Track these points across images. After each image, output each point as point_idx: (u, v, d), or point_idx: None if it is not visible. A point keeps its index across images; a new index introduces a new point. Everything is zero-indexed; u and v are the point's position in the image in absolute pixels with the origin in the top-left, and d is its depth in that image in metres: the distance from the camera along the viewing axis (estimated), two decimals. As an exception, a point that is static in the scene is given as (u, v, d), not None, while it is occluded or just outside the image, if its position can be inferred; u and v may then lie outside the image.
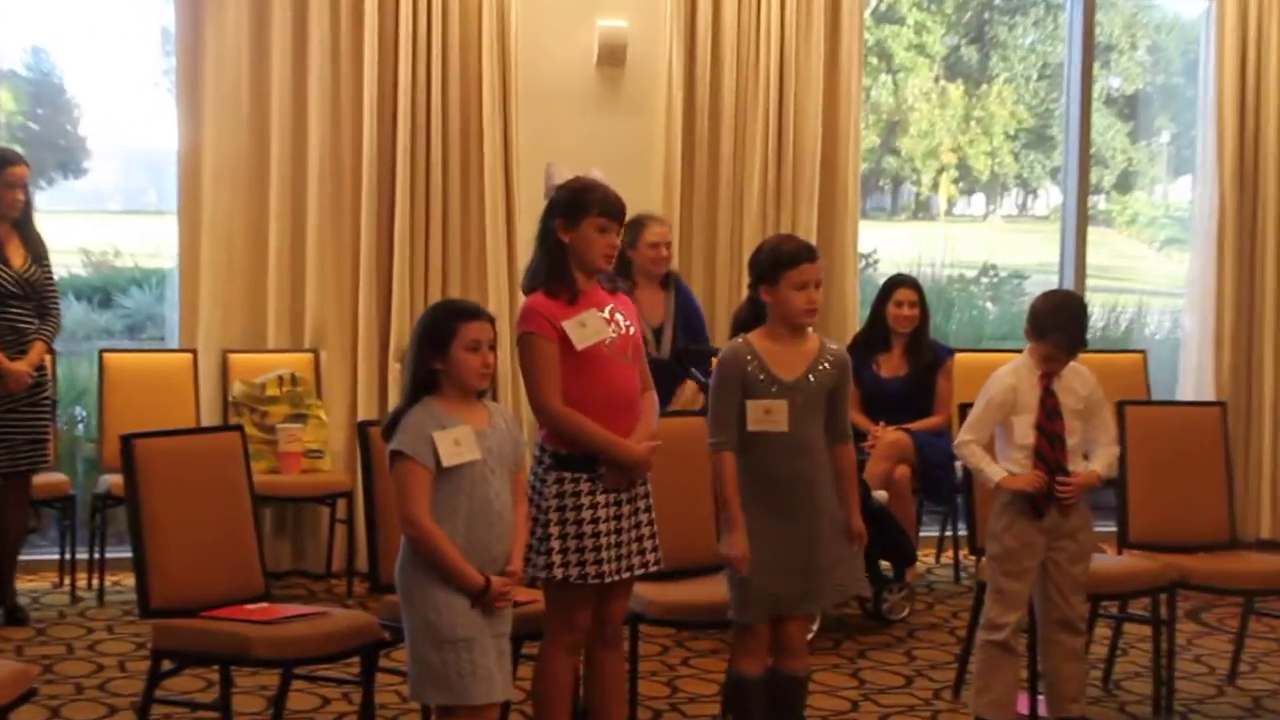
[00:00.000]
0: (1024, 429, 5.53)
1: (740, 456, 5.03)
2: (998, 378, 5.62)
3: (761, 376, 5.00)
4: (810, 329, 5.10)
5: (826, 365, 5.07)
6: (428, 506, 4.39)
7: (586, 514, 4.85)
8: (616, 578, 4.90)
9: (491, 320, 4.56)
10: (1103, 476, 5.64)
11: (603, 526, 4.87)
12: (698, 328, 7.50)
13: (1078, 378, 5.59)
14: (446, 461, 4.40)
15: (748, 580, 5.02)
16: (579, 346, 4.83)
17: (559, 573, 4.85)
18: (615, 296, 5.05)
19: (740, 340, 5.09)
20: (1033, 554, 5.53)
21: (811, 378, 5.03)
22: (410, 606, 4.46)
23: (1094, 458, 5.61)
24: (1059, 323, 5.50)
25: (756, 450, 5.02)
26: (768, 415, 4.99)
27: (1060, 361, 5.54)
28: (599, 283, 5.00)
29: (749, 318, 5.14)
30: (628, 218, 5.15)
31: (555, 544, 4.84)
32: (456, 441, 4.43)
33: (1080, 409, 5.56)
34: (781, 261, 5.00)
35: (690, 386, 7.23)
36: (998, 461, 5.56)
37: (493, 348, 4.53)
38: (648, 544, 5.01)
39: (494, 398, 4.65)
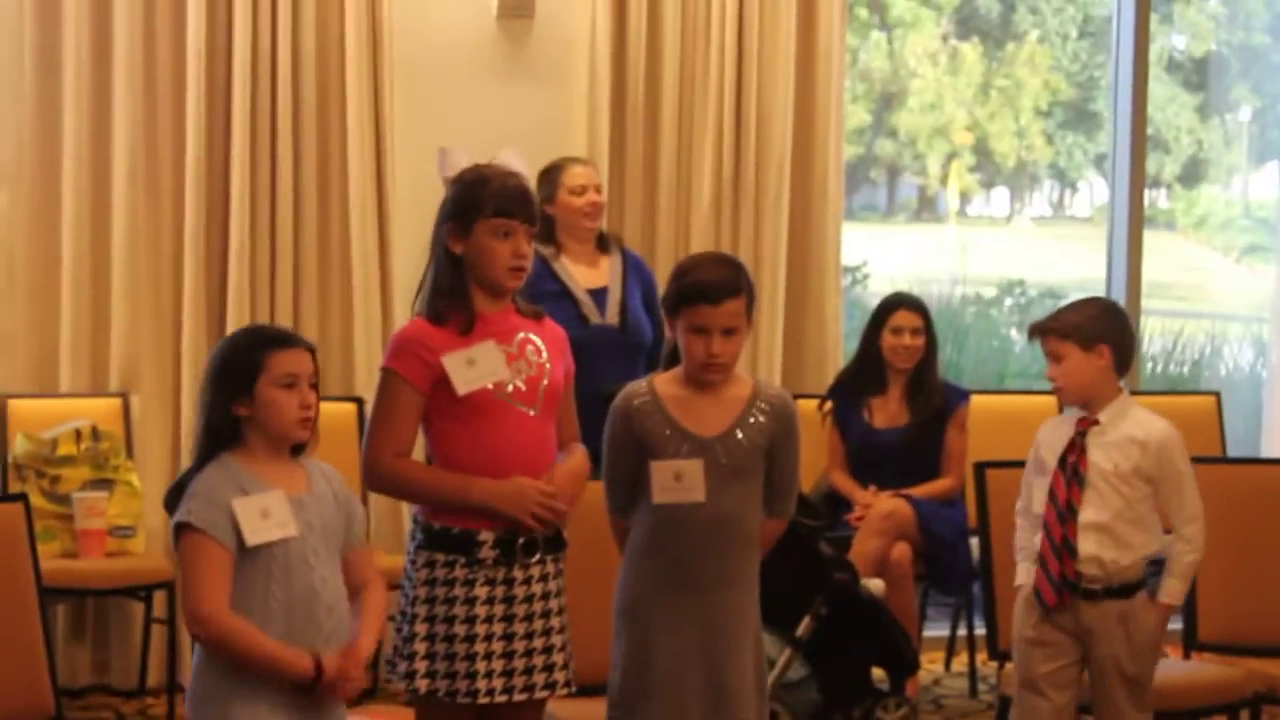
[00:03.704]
0: (1039, 495, 5.59)
1: (644, 540, 5.01)
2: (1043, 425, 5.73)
3: (667, 431, 4.95)
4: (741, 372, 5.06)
5: (760, 417, 4.98)
6: (225, 598, 4.35)
7: (460, 610, 4.78)
8: (503, 698, 4.81)
9: (311, 350, 4.56)
10: (1175, 607, 5.70)
11: (481, 629, 4.78)
12: (655, 301, 7.29)
13: (1136, 427, 5.57)
14: (251, 540, 4.37)
15: (616, 702, 5.04)
16: (460, 391, 4.77)
17: (422, 684, 4.79)
18: (537, 324, 4.99)
19: (642, 382, 5.06)
20: (1050, 656, 5.56)
21: (739, 433, 4.95)
22: None
23: (1165, 570, 5.63)
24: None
25: (666, 530, 4.96)
26: (678, 482, 4.91)
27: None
28: (514, 304, 4.96)
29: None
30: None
31: (420, 646, 4.80)
32: (264, 512, 4.40)
33: (1129, 470, 5.52)
34: (680, 295, 4.95)
35: None
36: None
37: (314, 385, 4.52)
38: (556, 658, 4.91)
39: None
